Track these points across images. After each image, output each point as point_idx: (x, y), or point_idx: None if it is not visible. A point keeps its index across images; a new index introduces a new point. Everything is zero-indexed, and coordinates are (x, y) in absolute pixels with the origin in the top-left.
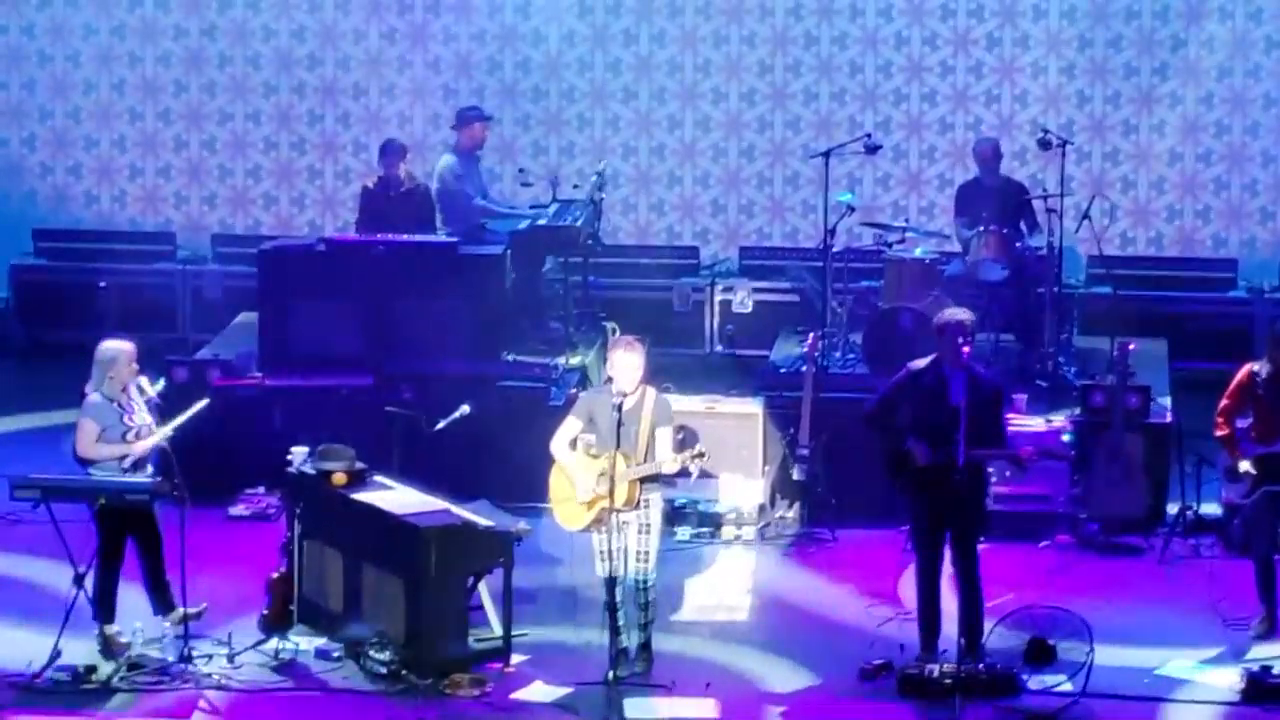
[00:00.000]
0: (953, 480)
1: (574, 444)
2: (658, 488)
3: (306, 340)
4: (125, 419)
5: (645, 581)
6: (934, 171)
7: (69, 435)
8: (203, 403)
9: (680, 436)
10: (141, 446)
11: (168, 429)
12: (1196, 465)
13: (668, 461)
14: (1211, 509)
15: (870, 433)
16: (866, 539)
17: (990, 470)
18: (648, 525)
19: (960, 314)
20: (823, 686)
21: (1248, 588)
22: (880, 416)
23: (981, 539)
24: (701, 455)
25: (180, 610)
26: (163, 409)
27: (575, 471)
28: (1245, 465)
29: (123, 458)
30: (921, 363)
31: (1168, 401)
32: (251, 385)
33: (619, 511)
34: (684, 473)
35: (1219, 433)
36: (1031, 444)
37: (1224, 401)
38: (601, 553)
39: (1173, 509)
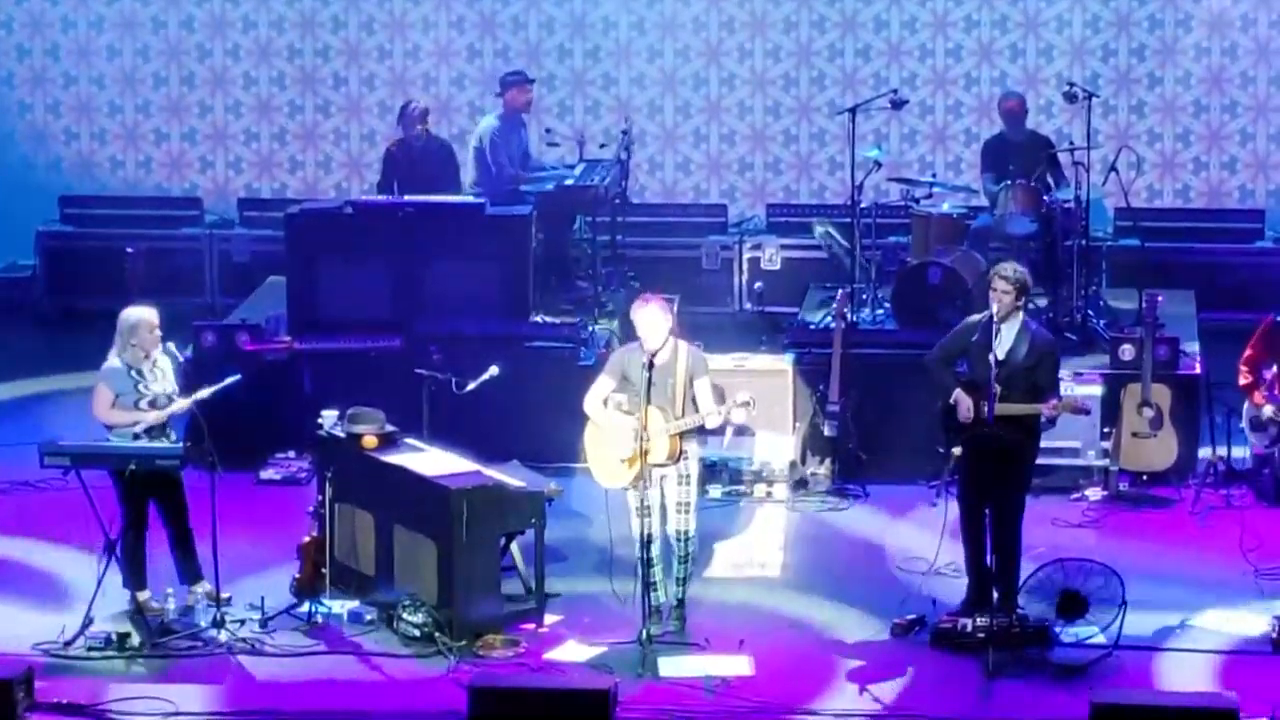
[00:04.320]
0: (985, 435)
1: (605, 404)
2: (695, 439)
3: (335, 303)
4: (141, 387)
5: (685, 533)
6: (960, 126)
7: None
8: (233, 378)
9: None
10: (154, 416)
11: (187, 401)
12: (1226, 415)
13: (711, 414)
14: (1242, 456)
15: (919, 383)
16: (897, 494)
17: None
18: (687, 476)
19: (1003, 268)
20: (856, 642)
21: (1279, 537)
22: (937, 365)
23: (1025, 496)
24: (747, 404)
25: (205, 584)
26: (189, 374)
27: (616, 428)
28: (1269, 410)
29: (135, 424)
30: (980, 315)
31: (1197, 352)
32: (280, 349)
33: (658, 466)
34: (724, 425)
35: (1243, 381)
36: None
37: (1247, 351)
38: (637, 509)
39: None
